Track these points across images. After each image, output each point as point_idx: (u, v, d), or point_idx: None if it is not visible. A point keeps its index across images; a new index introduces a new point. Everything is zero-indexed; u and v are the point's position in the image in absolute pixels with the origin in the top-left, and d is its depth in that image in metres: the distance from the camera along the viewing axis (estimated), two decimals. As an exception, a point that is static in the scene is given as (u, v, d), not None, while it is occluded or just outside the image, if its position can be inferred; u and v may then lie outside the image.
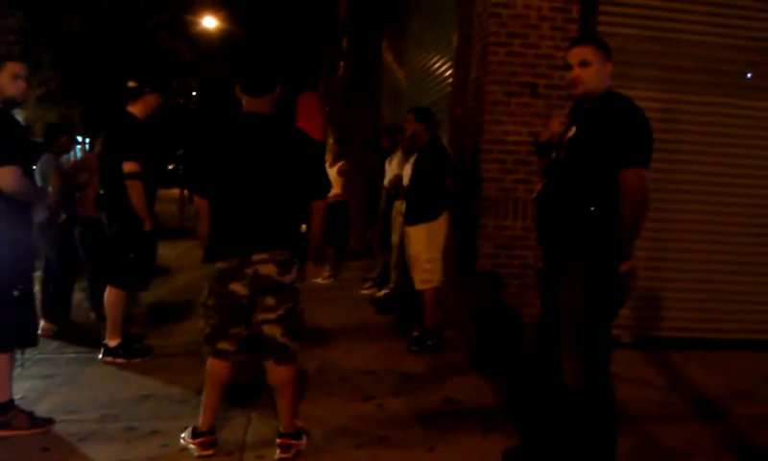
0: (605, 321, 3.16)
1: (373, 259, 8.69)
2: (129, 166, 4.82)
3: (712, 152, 5.99)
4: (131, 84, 5.05)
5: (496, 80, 5.66)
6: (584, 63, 3.17)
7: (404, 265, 6.16)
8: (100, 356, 5.02)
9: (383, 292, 7.46)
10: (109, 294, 5.02)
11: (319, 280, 8.39)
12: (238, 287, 3.32)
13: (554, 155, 3.33)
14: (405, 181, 6.55)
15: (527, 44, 5.64)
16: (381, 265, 8.21)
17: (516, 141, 5.67)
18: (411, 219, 5.64)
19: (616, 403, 3.20)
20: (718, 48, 5.93)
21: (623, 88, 3.31)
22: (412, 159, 6.67)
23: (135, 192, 4.85)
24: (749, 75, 6.04)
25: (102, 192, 5.05)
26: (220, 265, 3.38)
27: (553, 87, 5.63)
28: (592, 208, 3.09)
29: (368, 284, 8.20)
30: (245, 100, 3.46)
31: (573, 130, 3.22)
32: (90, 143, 14.65)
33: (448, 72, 7.23)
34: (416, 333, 5.68)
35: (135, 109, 5.02)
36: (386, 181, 7.26)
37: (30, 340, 3.87)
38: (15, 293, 3.69)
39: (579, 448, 3.21)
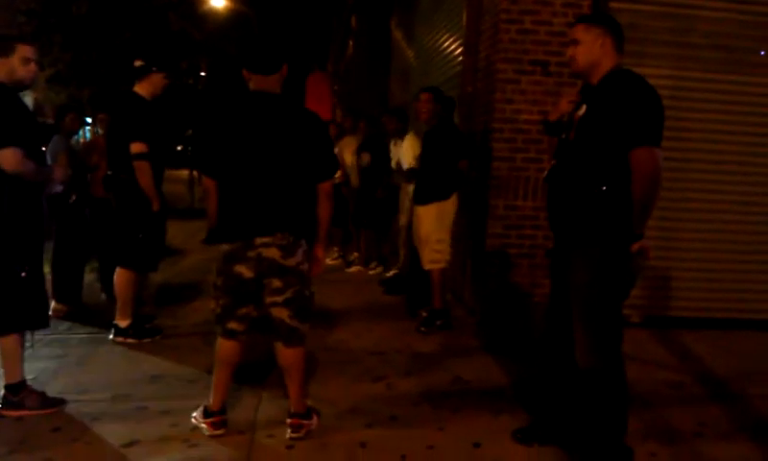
0: (616, 301, 3.14)
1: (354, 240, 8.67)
2: (136, 147, 4.82)
3: (724, 130, 5.92)
4: (137, 63, 5.03)
5: (507, 58, 5.60)
6: (574, 42, 3.17)
7: (412, 245, 6.15)
8: (111, 337, 5.04)
9: (391, 272, 7.45)
10: (119, 275, 5.04)
11: (327, 261, 8.35)
12: (243, 269, 3.32)
13: (564, 134, 3.30)
14: (405, 165, 6.54)
15: (538, 21, 5.57)
16: (362, 245, 8.26)
17: (526, 120, 5.62)
18: (421, 199, 5.62)
19: (627, 383, 3.19)
20: (730, 24, 5.85)
21: (634, 66, 3.26)
22: (405, 143, 6.67)
23: (143, 173, 4.85)
24: (762, 52, 5.96)
25: (110, 173, 5.05)
26: (225, 247, 3.38)
27: (565, 65, 5.49)
28: (604, 188, 3.05)
29: (373, 265, 8.20)
30: (252, 79, 3.43)
31: (583, 108, 3.19)
32: (93, 123, 14.64)
33: (458, 50, 7.17)
34: (424, 314, 5.68)
35: (142, 88, 5.00)
36: (393, 164, 7.17)
37: (41, 321, 3.88)
38: (23, 274, 3.70)
39: (589, 427, 3.21)
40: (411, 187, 6.73)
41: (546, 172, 3.43)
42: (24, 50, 3.69)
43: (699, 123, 5.86)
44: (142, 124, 4.88)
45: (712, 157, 5.93)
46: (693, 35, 5.82)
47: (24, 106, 3.79)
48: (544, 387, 3.58)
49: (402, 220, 7.12)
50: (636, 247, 2.98)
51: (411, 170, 6.62)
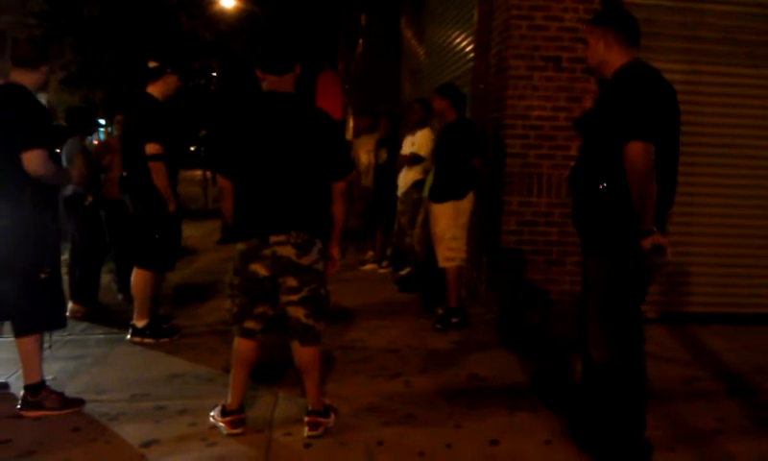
0: (630, 298, 3.13)
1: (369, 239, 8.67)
2: (151, 148, 4.84)
3: (737, 124, 5.89)
4: (152, 64, 5.05)
5: (519, 54, 5.59)
6: (586, 41, 3.27)
7: (427, 243, 6.15)
8: (128, 337, 5.08)
9: (405, 270, 7.46)
10: (136, 275, 5.07)
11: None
12: (259, 268, 3.33)
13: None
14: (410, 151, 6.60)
15: (550, 17, 5.56)
16: (378, 243, 8.27)
17: (539, 116, 5.61)
18: (437, 197, 5.62)
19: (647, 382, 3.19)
20: (742, 17, 5.80)
21: (646, 60, 3.27)
22: (420, 134, 6.68)
23: (158, 174, 4.88)
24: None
25: (125, 174, 5.07)
26: (240, 246, 3.39)
27: (577, 60, 5.54)
28: (604, 185, 3.06)
29: (384, 263, 8.21)
30: (265, 79, 3.45)
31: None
32: (109, 125, 14.74)
33: (469, 47, 7.16)
34: (440, 311, 5.68)
35: (155, 89, 5.03)
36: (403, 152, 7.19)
37: (58, 322, 3.92)
38: (42, 275, 3.74)
39: (606, 423, 3.21)
40: (412, 191, 6.79)
41: (570, 171, 3.45)
42: (46, 68, 3.89)
43: (712, 117, 5.82)
44: (157, 125, 4.90)
45: (724, 151, 5.89)
46: (705, 28, 5.78)
47: (44, 107, 3.84)
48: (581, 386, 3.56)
49: (403, 221, 7.15)
50: (647, 243, 2.92)
51: (414, 155, 6.66)
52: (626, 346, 3.14)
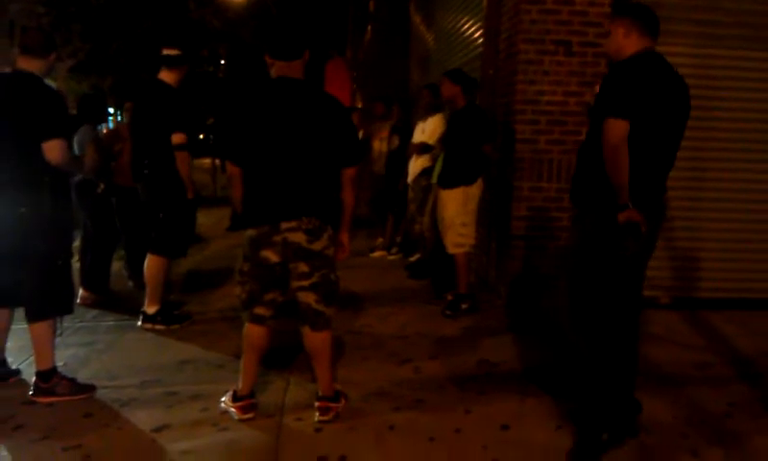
0: (602, 270, 3.24)
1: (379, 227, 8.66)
2: (177, 137, 4.87)
3: (749, 108, 5.83)
4: (171, 51, 5.02)
5: (529, 38, 5.54)
6: (607, 33, 3.47)
7: (436, 229, 6.13)
8: (139, 323, 5.10)
9: (415, 257, 7.45)
10: (150, 261, 5.08)
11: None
12: (269, 254, 3.33)
13: None
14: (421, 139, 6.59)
15: (561, 1, 5.50)
16: (388, 230, 8.26)
17: (549, 101, 5.57)
18: (447, 183, 5.59)
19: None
20: (754, 1, 5.74)
21: (660, 44, 3.33)
22: (431, 121, 6.65)
23: (183, 162, 4.91)
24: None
25: (145, 161, 5.02)
26: (250, 232, 3.39)
27: (588, 45, 5.50)
28: (588, 160, 3.27)
29: (394, 250, 8.20)
30: (274, 65, 3.43)
31: None
32: (119, 113, 14.75)
33: (479, 32, 7.11)
34: (450, 297, 5.67)
35: (169, 77, 5.00)
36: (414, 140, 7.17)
37: (68, 307, 3.95)
38: (59, 262, 3.80)
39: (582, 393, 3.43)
40: (421, 178, 6.76)
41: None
42: (53, 56, 3.91)
43: (723, 101, 5.77)
44: (180, 114, 4.91)
45: (737, 136, 5.84)
46: (717, 12, 5.72)
47: (61, 96, 3.86)
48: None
49: (412, 208, 7.14)
50: (622, 217, 3.06)
51: (423, 144, 6.63)
52: (597, 319, 3.29)
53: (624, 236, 3.08)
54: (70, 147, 3.98)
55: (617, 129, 3.06)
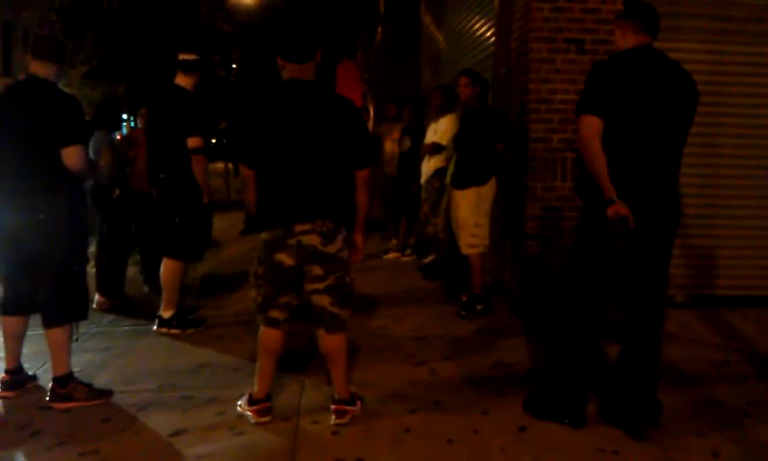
0: (589, 262, 3.38)
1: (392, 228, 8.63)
2: (194, 141, 4.89)
3: (763, 103, 5.76)
4: (188, 56, 5.03)
5: (541, 37, 5.51)
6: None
7: (450, 230, 6.11)
8: (154, 328, 5.11)
9: (429, 258, 7.43)
10: (166, 265, 5.09)
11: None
12: (284, 257, 3.33)
13: None
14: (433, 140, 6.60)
15: (572, -2, 5.47)
16: (401, 232, 8.24)
17: (562, 100, 5.53)
18: (459, 183, 5.58)
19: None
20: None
21: (672, 41, 3.40)
22: (443, 121, 6.61)
23: (199, 166, 4.93)
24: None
25: (162, 166, 5.02)
26: (265, 235, 3.39)
27: (600, 42, 5.45)
28: (575, 155, 3.45)
29: (408, 251, 8.18)
30: (286, 67, 3.43)
31: None
32: (132, 118, 14.82)
33: (490, 32, 7.08)
34: (464, 298, 5.65)
35: (186, 82, 5.01)
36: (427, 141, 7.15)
37: (83, 313, 3.97)
38: (76, 268, 3.82)
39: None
40: (434, 179, 6.74)
41: None
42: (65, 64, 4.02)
43: (736, 97, 5.70)
44: (197, 119, 4.94)
45: (751, 132, 5.76)
46: (729, 7, 5.66)
47: (79, 103, 3.88)
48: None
49: (426, 208, 7.12)
50: (610, 212, 3.12)
51: (435, 145, 6.61)
52: (582, 308, 3.44)
53: (612, 230, 3.14)
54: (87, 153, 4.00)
55: (589, 125, 3.19)
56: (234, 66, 19.94)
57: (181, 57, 5.02)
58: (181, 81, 5.02)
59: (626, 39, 3.37)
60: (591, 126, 3.19)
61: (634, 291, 3.42)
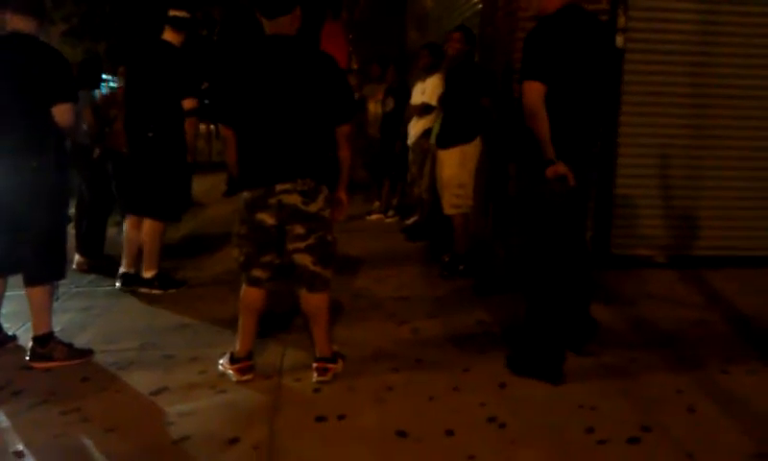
0: (542, 216, 3.48)
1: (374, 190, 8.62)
2: (189, 103, 4.88)
3: (752, 64, 5.72)
4: (179, 13, 4.94)
5: (527, -5, 5.44)
6: None
7: (434, 191, 6.09)
8: (117, 285, 5.13)
9: (412, 219, 7.42)
10: (147, 226, 5.06)
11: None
12: (265, 217, 3.31)
13: None
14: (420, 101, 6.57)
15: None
16: (384, 193, 8.23)
17: (548, 59, 5.48)
18: (444, 142, 5.54)
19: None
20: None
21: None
22: (431, 81, 6.55)
23: (191, 127, 4.94)
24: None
25: (151, 125, 4.96)
26: (246, 195, 3.36)
27: (587, 2, 5.39)
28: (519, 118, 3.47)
29: (390, 213, 8.17)
30: (266, 24, 3.36)
31: None
32: (111, 78, 14.58)
33: (476, -11, 6.98)
34: (446, 259, 5.65)
35: (175, 39, 4.94)
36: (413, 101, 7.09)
37: (62, 273, 3.95)
38: (60, 226, 3.84)
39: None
40: (422, 140, 6.69)
41: None
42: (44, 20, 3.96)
43: (726, 58, 5.66)
44: (190, 78, 4.88)
45: (739, 93, 5.74)
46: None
47: (67, 60, 3.81)
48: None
49: (413, 170, 7.09)
50: (549, 172, 3.26)
51: (424, 105, 6.56)
52: (540, 261, 3.57)
53: (553, 188, 3.30)
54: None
55: (533, 91, 3.27)
56: (217, 26, 19.60)
57: (172, 13, 4.93)
58: (170, 37, 4.93)
59: (553, 1, 3.42)
60: (536, 92, 3.27)
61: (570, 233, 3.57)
